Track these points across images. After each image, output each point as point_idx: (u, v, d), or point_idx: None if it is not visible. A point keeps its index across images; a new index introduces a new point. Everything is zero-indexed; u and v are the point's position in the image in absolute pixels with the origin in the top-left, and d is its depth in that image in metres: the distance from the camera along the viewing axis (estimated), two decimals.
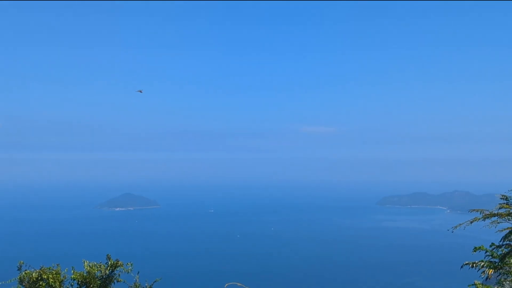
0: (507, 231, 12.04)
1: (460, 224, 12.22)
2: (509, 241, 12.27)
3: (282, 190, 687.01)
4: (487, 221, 12.03)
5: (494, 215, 11.65)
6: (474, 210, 12.04)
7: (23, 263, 17.17)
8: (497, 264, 13.47)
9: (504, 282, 14.37)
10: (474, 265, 14.26)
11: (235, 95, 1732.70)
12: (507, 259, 12.86)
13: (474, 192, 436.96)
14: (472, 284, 14.25)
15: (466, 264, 14.57)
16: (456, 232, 12.80)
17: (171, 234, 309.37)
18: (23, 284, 16.86)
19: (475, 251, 14.85)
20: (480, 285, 14.09)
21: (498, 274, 14.35)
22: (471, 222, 11.82)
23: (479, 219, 11.81)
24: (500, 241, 12.48)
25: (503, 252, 13.03)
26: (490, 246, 13.76)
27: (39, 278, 16.80)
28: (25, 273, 16.94)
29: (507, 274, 14.21)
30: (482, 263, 14.11)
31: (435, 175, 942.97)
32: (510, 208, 11.31)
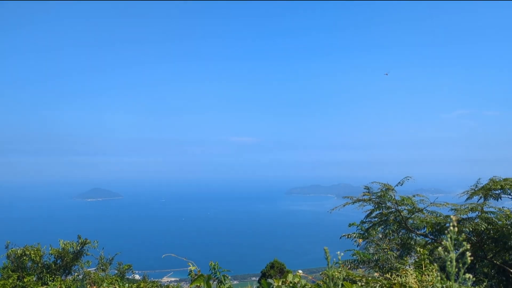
0: (369, 211, 12.59)
1: (336, 207, 12.62)
2: (371, 218, 12.81)
3: (217, 185, 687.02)
4: (356, 204, 12.50)
5: (360, 200, 12.13)
6: (346, 197, 12.48)
7: (9, 242, 16.62)
8: (364, 235, 14.01)
9: (369, 248, 15.00)
10: (349, 236, 14.76)
11: (177, 115, 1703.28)
12: (370, 231, 13.44)
13: (353, 184, 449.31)
14: (348, 250, 14.75)
15: (343, 235, 15.05)
16: (338, 212, 13.18)
17: (130, 218, 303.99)
18: (10, 259, 16.29)
19: (349, 226, 15.37)
20: (354, 250, 14.67)
21: (365, 242, 14.92)
22: (344, 206, 12.24)
23: (350, 203, 12.26)
24: (365, 218, 13.02)
25: (368, 226, 13.60)
26: (360, 222, 14.29)
27: (23, 254, 16.30)
28: (11, 250, 16.37)
29: (370, 242, 14.81)
30: (355, 235, 14.62)
31: (327, 172, 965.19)
32: (370, 195, 11.85)
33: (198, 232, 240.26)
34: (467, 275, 2.26)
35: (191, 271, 6.44)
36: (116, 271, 18.71)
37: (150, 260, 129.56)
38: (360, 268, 13.92)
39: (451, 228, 2.25)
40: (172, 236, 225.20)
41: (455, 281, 2.45)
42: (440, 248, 2.25)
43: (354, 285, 7.25)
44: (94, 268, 17.90)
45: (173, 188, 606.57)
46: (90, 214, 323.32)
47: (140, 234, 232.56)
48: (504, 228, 11.36)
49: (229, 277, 6.54)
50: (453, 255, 2.20)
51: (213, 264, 6.36)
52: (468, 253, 2.20)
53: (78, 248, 17.35)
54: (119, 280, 14.84)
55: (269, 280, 6.00)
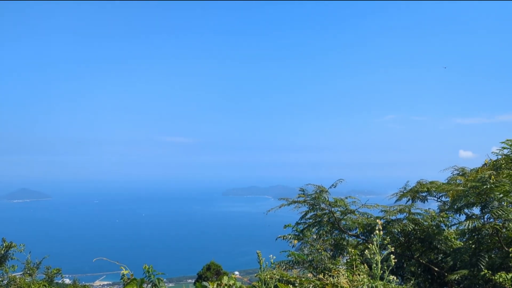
0: (304, 213, 12.87)
1: (272, 209, 12.81)
2: (305, 220, 13.09)
3: (152, 186, 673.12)
4: (292, 206, 12.74)
5: (295, 202, 12.38)
6: (282, 198, 12.70)
7: None
8: (299, 236, 14.27)
9: (304, 248, 15.29)
10: (284, 237, 14.97)
11: (110, 114, 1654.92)
12: (305, 232, 13.72)
13: (290, 185, 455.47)
14: (283, 251, 14.95)
15: (279, 237, 15.24)
16: (274, 213, 13.35)
17: (60, 220, 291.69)
18: None
19: (285, 227, 15.53)
20: (289, 251, 14.90)
21: (300, 243, 15.19)
22: (280, 207, 12.45)
23: (285, 205, 12.48)
24: (300, 219, 13.28)
25: (303, 227, 13.86)
26: (295, 223, 14.51)
27: None
28: None
29: (305, 243, 15.13)
30: (290, 236, 14.84)
31: (264, 173, 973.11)
32: (305, 197, 12.12)
33: (132, 234, 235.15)
34: (391, 277, 2.41)
35: (123, 275, 6.32)
36: (44, 276, 18.01)
37: (81, 264, 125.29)
38: (295, 268, 14.16)
39: (377, 231, 2.39)
40: (105, 238, 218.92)
41: (381, 280, 2.60)
42: (366, 250, 2.38)
43: (289, 286, 7.41)
44: (20, 273, 17.15)
45: (107, 189, 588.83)
46: (17, 216, 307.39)
47: (70, 236, 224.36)
48: (429, 229, 12.01)
49: (164, 280, 6.48)
50: (378, 257, 2.34)
51: (147, 267, 6.28)
52: (392, 256, 2.35)
53: (3, 252, 16.52)
54: (47, 285, 14.30)
55: (204, 283, 6.00)
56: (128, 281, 6.06)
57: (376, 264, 2.40)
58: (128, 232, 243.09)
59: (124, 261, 6.38)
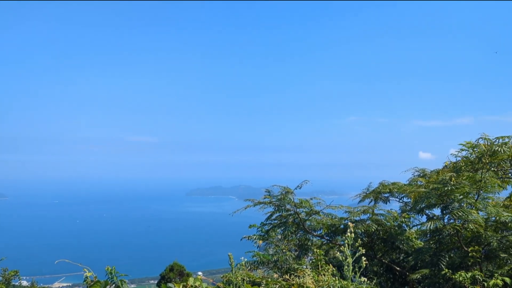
0: (269, 214, 12.91)
1: (237, 210, 12.78)
2: (271, 220, 13.13)
3: (114, 185, 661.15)
4: (257, 207, 12.75)
5: (261, 203, 12.40)
6: (248, 199, 12.69)
7: None
8: (264, 236, 14.27)
9: (269, 249, 15.32)
10: (250, 238, 14.96)
11: (69, 111, 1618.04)
12: (270, 233, 13.73)
13: (254, 185, 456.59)
14: (248, 251, 14.94)
15: (244, 237, 15.23)
16: (239, 213, 13.33)
17: (18, 220, 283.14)
18: None
19: (250, 227, 15.53)
20: (254, 252, 14.90)
21: (265, 243, 15.21)
22: (245, 208, 12.44)
23: (251, 206, 12.48)
24: (265, 220, 13.30)
25: (268, 228, 13.87)
26: (260, 224, 14.50)
27: None
28: None
29: (270, 243, 15.17)
30: (255, 236, 14.84)
31: (228, 173, 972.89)
32: (270, 198, 12.16)
33: (93, 235, 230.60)
34: (362, 278, 2.43)
35: (86, 277, 6.16)
36: (0, 278, 17.47)
37: (39, 265, 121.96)
38: (260, 269, 14.18)
39: (348, 234, 2.40)
40: (64, 239, 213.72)
41: (352, 281, 2.63)
42: (337, 252, 2.40)
43: (254, 287, 7.39)
44: None
45: (68, 189, 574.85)
46: None
47: (29, 237, 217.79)
48: (392, 229, 12.27)
49: (127, 281, 6.36)
50: (350, 259, 2.36)
51: (109, 268, 6.14)
52: (364, 258, 2.37)
53: None
54: None
55: (170, 285, 5.91)
56: (92, 283, 5.92)
57: (348, 266, 2.41)
58: (89, 232, 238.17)
59: (85, 262, 6.22)
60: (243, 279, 6.87)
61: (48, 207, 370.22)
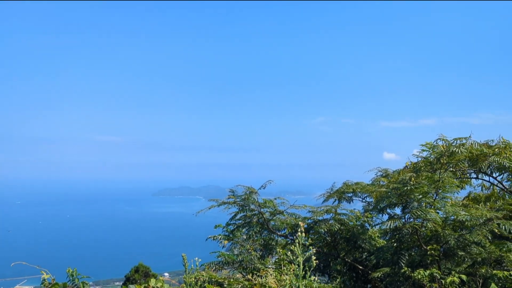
0: (234, 214, 12.91)
1: (201, 210, 12.70)
2: (235, 220, 13.13)
3: (79, 186, 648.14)
4: (222, 207, 12.72)
5: (225, 203, 12.38)
6: (213, 199, 12.65)
7: None
8: (229, 236, 14.28)
9: (234, 249, 15.31)
10: (215, 238, 14.92)
11: (34, 110, 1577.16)
12: (235, 233, 13.75)
13: (222, 185, 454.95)
14: (213, 252, 14.89)
15: (209, 237, 15.17)
16: (206, 214, 13.20)
17: None
18: None
19: (216, 228, 15.49)
20: (219, 252, 14.85)
21: (230, 243, 15.19)
22: (209, 208, 12.40)
23: (215, 206, 12.44)
24: (230, 220, 13.31)
25: (233, 228, 13.87)
26: (226, 224, 14.48)
27: None
28: None
29: (235, 243, 15.17)
30: (220, 236, 14.82)
31: (195, 174, 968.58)
32: (235, 198, 12.17)
33: (57, 236, 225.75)
34: (313, 277, 2.46)
35: (44, 279, 6.00)
36: None
37: (1, 268, 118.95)
38: (225, 269, 14.15)
39: (299, 233, 2.42)
40: (27, 241, 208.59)
41: (303, 279, 2.66)
42: (289, 252, 2.42)
43: (217, 287, 7.38)
44: None
45: (31, 189, 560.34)
46: None
47: None
48: (354, 229, 12.43)
49: (89, 283, 6.23)
50: (300, 258, 2.37)
51: (70, 270, 6.01)
52: (314, 257, 2.39)
53: None
54: None
55: (131, 286, 5.85)
56: (49, 285, 5.77)
57: (299, 265, 2.43)
58: (52, 234, 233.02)
59: (48, 265, 6.06)
60: (197, 280, 6.88)
61: (11, 208, 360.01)
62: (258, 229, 12.85)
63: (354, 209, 13.48)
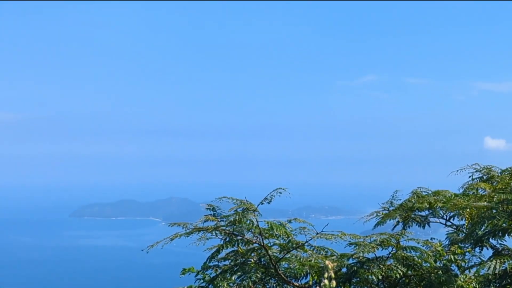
0: (215, 248, 12.72)
1: (157, 243, 12.58)
2: (218, 261, 13.01)
3: None
4: (195, 236, 12.57)
5: (200, 229, 12.18)
6: (175, 224, 12.53)
7: None
8: None
9: None
10: None
11: None
12: (218, 282, 13.57)
13: (193, 198, 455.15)
14: None
15: None
16: (166, 249, 13.17)
17: None
18: None
19: (183, 274, 15.24)
20: None
21: None
22: (172, 239, 12.29)
23: (181, 235, 12.32)
24: (208, 259, 13.11)
25: (215, 274, 13.65)
26: (202, 267, 14.26)
27: None
28: None
29: None
30: None
31: (148, 175, 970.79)
32: (216, 220, 11.94)
33: None
34: None
35: None
36: None
37: None
38: None
39: (325, 281, 2.33)
40: None
41: None
42: None
43: None
44: None
45: None
46: None
47: None
48: (432, 274, 12.32)
49: None
50: None
51: None
52: None
53: None
54: None
55: None
56: None
57: None
58: None
59: None
60: None
61: None
62: (259, 275, 12.80)
63: (431, 239, 13.40)
